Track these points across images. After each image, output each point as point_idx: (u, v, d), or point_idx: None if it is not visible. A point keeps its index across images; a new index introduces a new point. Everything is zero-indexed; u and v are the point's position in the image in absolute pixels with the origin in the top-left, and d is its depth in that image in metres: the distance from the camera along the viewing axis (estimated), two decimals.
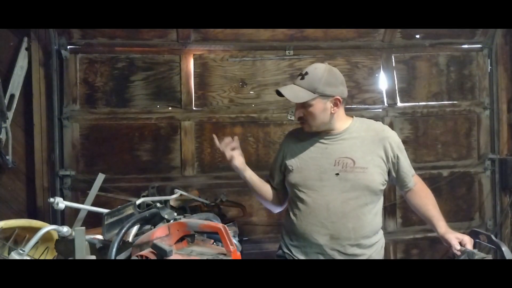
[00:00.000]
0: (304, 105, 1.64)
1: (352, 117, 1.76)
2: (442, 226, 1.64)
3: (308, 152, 1.71)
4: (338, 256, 1.64)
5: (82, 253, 1.16)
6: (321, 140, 1.71)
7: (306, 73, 1.64)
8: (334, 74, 1.66)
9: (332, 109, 1.65)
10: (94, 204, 1.63)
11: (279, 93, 1.68)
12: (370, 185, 1.65)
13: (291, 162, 1.73)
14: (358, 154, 1.65)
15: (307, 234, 1.66)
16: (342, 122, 1.71)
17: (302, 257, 1.70)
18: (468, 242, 1.52)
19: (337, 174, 1.64)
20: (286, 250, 1.76)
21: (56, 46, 2.51)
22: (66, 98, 2.58)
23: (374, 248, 1.70)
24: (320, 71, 1.63)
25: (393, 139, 1.71)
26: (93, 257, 1.18)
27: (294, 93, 1.64)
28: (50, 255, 1.58)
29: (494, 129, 2.88)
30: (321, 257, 1.66)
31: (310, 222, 1.65)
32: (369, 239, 1.67)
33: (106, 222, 1.25)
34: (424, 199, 1.75)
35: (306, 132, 1.74)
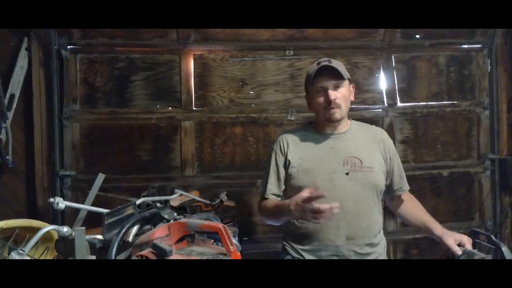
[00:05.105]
0: (338, 87, 1.64)
1: (350, 119, 1.78)
2: (437, 228, 1.63)
3: (314, 153, 1.68)
4: (354, 257, 1.62)
5: (82, 253, 1.16)
6: (326, 140, 1.70)
7: (330, 60, 1.65)
8: None
9: (351, 95, 1.71)
10: (94, 204, 1.62)
11: (323, 68, 1.63)
12: (377, 184, 1.67)
13: (295, 164, 1.69)
14: (363, 154, 1.67)
15: (323, 236, 1.63)
16: (345, 121, 1.73)
17: None
18: (467, 242, 1.51)
19: (347, 174, 1.63)
20: (296, 255, 1.69)
21: (56, 46, 2.51)
22: (66, 98, 2.58)
23: (380, 246, 1.71)
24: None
25: (389, 141, 1.77)
26: (93, 257, 1.17)
27: (339, 68, 1.64)
28: (50, 255, 1.57)
29: (494, 129, 2.88)
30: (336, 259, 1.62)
31: (325, 224, 1.57)
32: (376, 237, 1.68)
33: (106, 222, 1.25)
34: (415, 206, 1.77)
35: (308, 132, 1.74)
